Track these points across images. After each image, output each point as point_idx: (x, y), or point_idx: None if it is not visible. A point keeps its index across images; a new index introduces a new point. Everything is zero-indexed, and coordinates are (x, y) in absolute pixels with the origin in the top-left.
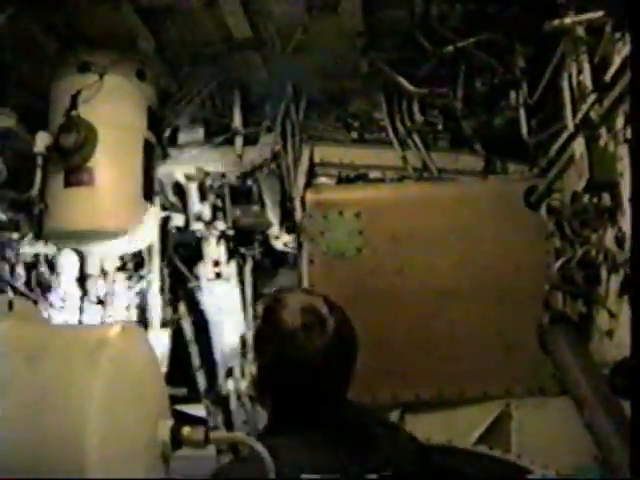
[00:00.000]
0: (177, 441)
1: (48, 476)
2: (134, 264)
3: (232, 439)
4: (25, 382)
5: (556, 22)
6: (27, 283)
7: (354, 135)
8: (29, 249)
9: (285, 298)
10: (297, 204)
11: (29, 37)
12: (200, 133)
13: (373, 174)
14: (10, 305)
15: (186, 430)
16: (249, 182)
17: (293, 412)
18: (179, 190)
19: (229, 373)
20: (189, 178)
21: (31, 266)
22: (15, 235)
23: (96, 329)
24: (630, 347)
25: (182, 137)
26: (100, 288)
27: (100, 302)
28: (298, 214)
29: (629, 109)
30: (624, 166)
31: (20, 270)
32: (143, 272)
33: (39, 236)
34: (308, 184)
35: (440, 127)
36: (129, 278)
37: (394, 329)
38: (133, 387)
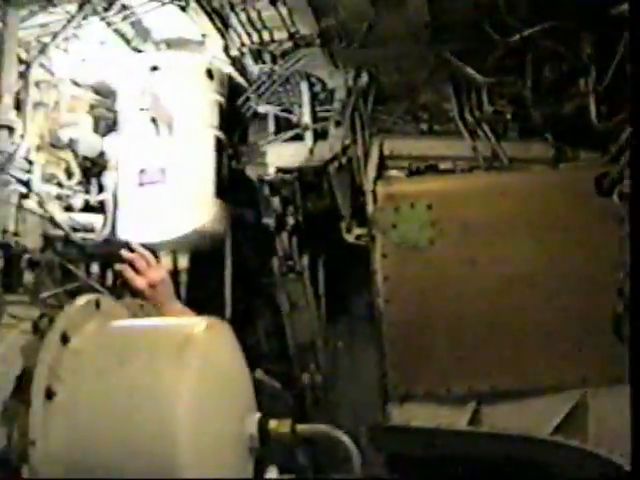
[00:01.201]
0: (264, 434)
1: (140, 471)
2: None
3: (317, 431)
4: (116, 380)
5: (623, 6)
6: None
7: (423, 127)
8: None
9: None
10: (368, 197)
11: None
12: (270, 129)
13: (443, 165)
14: (97, 304)
15: (273, 423)
16: (320, 176)
17: None
18: (250, 186)
19: (303, 367)
20: (260, 174)
21: (105, 265)
22: (90, 235)
23: (182, 325)
24: (629, 342)
25: (252, 134)
26: None
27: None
28: (370, 207)
29: (630, 109)
30: None
31: (95, 269)
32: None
33: (114, 235)
34: (379, 177)
35: (509, 116)
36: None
37: (468, 320)
38: (220, 382)
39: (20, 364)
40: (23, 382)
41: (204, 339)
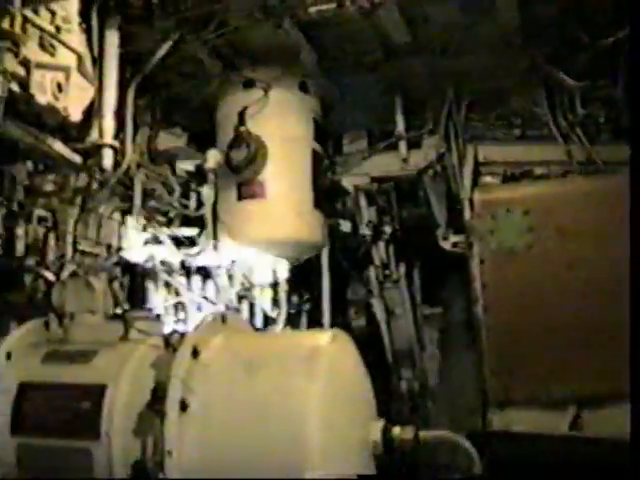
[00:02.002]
0: (388, 441)
1: (272, 477)
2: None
3: (440, 437)
4: (246, 391)
5: None
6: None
7: (516, 132)
8: (204, 261)
9: None
10: (465, 205)
11: (194, 59)
12: (364, 140)
13: (538, 170)
14: (223, 319)
15: (396, 430)
16: (415, 185)
17: None
18: (346, 197)
19: (400, 374)
20: (356, 185)
21: (206, 277)
22: (193, 250)
23: (307, 337)
24: (630, 348)
25: (346, 144)
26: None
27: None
28: (466, 214)
29: (630, 109)
30: None
31: (197, 281)
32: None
33: (217, 249)
34: (474, 184)
35: (602, 119)
36: (298, 286)
37: (566, 324)
38: (346, 391)
39: (152, 378)
40: (157, 395)
41: (330, 350)
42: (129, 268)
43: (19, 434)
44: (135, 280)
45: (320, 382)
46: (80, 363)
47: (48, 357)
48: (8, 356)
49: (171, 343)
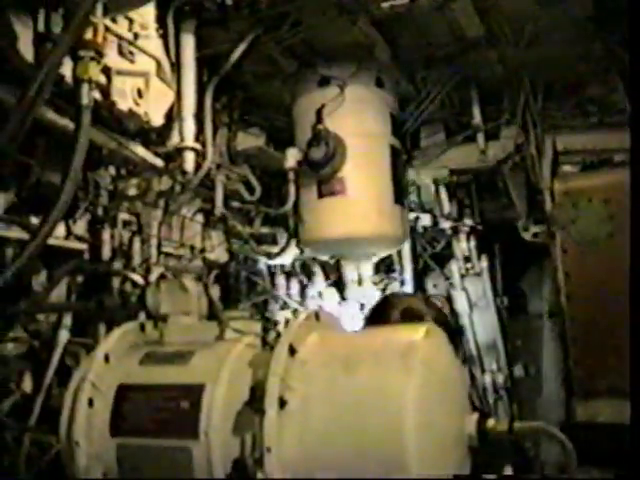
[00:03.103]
0: (483, 433)
1: (371, 474)
2: (385, 267)
3: (535, 429)
4: (344, 387)
5: None
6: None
7: (594, 120)
8: (288, 259)
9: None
10: (545, 195)
11: (269, 59)
12: (441, 133)
13: (617, 157)
14: (317, 316)
15: (491, 422)
16: (494, 177)
17: None
18: (426, 191)
19: (484, 367)
20: (435, 178)
21: (289, 275)
22: (275, 249)
23: (401, 332)
24: (630, 348)
25: (424, 138)
26: (355, 292)
27: (361, 306)
28: (547, 204)
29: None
30: None
31: (281, 280)
32: (394, 274)
33: (297, 246)
34: (554, 174)
35: None
36: (380, 281)
37: None
38: (442, 385)
39: (250, 376)
40: (256, 393)
41: (425, 345)
42: (217, 269)
43: (119, 435)
44: (222, 280)
45: (416, 377)
46: (178, 364)
47: (146, 359)
48: (106, 358)
49: (267, 341)
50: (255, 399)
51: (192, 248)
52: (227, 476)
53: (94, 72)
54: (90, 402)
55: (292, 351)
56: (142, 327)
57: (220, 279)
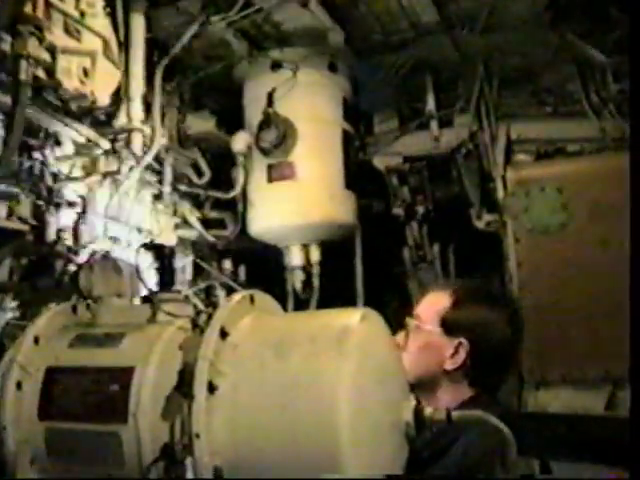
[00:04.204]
0: (420, 421)
1: (301, 461)
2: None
3: (473, 418)
4: (275, 372)
5: None
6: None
7: (549, 109)
8: (235, 245)
9: None
10: (498, 183)
11: (220, 42)
12: (395, 120)
13: (571, 147)
14: (252, 299)
15: (428, 411)
16: (447, 164)
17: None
18: (378, 177)
19: None
20: (387, 165)
21: (237, 261)
22: (224, 232)
23: (336, 317)
24: (630, 344)
25: (377, 124)
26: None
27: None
28: (499, 193)
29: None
30: None
31: (228, 265)
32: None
33: (245, 232)
34: (507, 162)
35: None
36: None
37: (601, 302)
38: (377, 371)
39: (180, 359)
40: (185, 377)
41: (361, 329)
42: (159, 251)
43: (48, 419)
44: (165, 264)
45: (351, 362)
46: (108, 346)
47: (76, 341)
48: (36, 340)
49: (198, 324)
50: (184, 383)
51: (139, 231)
52: (155, 460)
53: (35, 49)
54: (18, 385)
55: (223, 334)
56: (74, 309)
57: (165, 262)
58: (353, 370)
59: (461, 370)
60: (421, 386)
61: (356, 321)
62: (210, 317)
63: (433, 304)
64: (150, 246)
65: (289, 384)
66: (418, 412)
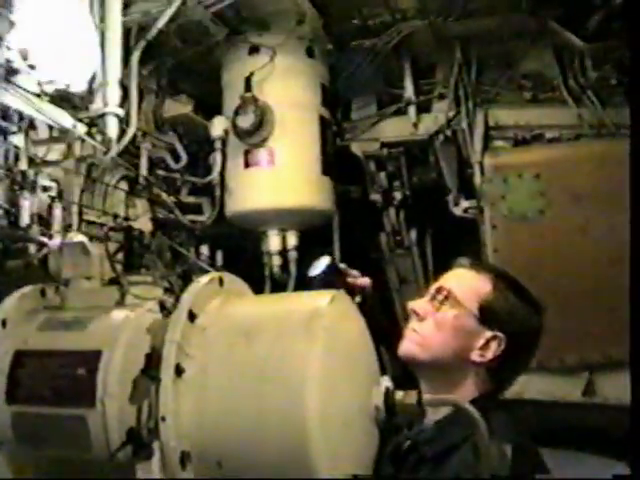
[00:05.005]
0: (390, 406)
1: (270, 445)
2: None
3: (444, 401)
4: (244, 355)
5: None
6: (212, 263)
7: (527, 96)
8: (212, 230)
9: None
10: (476, 169)
11: (198, 25)
12: (373, 105)
13: (549, 134)
14: (221, 281)
15: (399, 394)
16: (425, 150)
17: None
18: (356, 163)
19: None
20: (365, 151)
21: (214, 246)
22: (200, 218)
23: (306, 299)
24: (630, 340)
25: (355, 110)
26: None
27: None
28: (477, 179)
29: (629, 110)
30: None
31: (205, 250)
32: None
33: (221, 217)
34: (485, 148)
35: (614, 82)
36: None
37: (578, 289)
38: (347, 354)
39: (148, 342)
40: (152, 360)
41: (330, 312)
42: (133, 236)
43: (15, 403)
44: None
45: (319, 344)
46: (76, 330)
47: (44, 324)
48: (3, 324)
49: (166, 307)
50: (151, 366)
51: (115, 217)
52: (122, 444)
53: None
54: None
55: (192, 317)
56: (43, 292)
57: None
58: (321, 353)
59: (487, 364)
60: (436, 370)
61: (325, 304)
62: (178, 299)
63: (473, 286)
64: (119, 228)
65: (258, 367)
66: (388, 396)
